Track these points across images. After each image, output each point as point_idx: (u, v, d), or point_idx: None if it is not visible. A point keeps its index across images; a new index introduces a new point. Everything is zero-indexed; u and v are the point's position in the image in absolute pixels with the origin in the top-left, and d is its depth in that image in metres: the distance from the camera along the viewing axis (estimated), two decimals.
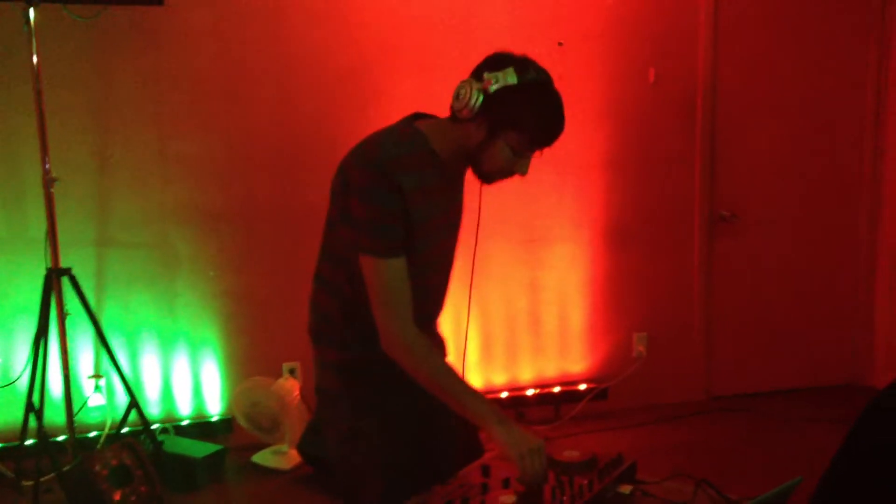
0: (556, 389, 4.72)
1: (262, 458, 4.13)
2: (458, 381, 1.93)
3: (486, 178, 1.96)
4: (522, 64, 1.84)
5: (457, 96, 1.88)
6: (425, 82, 4.31)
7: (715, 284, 4.98)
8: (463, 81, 1.88)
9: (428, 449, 2.09)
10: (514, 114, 1.83)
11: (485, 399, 1.94)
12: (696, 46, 4.76)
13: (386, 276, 1.88)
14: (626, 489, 1.88)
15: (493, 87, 1.82)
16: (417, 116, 2.03)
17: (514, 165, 1.91)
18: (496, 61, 1.85)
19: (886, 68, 4.98)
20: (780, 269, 5.05)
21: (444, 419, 2.00)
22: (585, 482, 1.83)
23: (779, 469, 3.86)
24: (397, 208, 1.86)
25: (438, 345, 2.22)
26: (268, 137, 4.21)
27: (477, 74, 1.86)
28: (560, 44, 4.51)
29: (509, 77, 1.81)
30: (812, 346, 5.15)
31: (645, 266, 4.85)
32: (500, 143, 1.86)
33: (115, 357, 3.75)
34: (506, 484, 1.84)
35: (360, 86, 4.29)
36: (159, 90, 4.07)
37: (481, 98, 1.83)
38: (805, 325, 5.13)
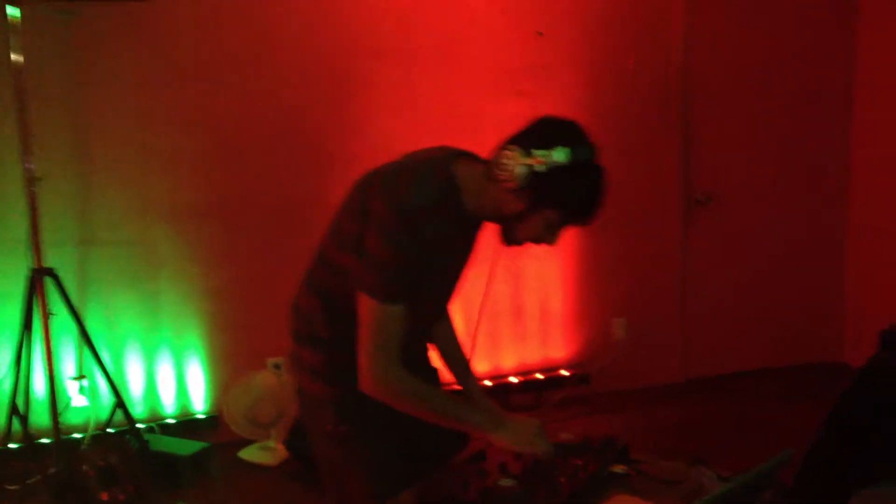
0: (539, 376, 4.76)
1: (248, 453, 4.13)
2: (448, 404, 1.95)
3: (513, 243, 1.93)
4: (573, 140, 1.78)
5: (499, 164, 1.79)
6: (404, 71, 4.35)
7: (691, 268, 5.04)
8: (507, 147, 1.80)
9: (416, 445, 2.10)
10: (560, 196, 1.79)
11: (476, 409, 2.00)
12: (671, 33, 4.81)
13: (382, 320, 1.85)
14: (620, 469, 1.93)
15: (543, 168, 1.75)
16: (458, 155, 1.95)
17: (545, 238, 1.88)
18: (547, 134, 1.79)
19: (856, 51, 5.06)
20: (755, 251, 5.13)
21: None
22: (581, 462, 1.88)
23: (759, 446, 3.93)
24: (414, 256, 1.82)
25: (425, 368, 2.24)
26: (251, 132, 4.20)
27: (524, 144, 1.78)
28: (540, 34, 4.54)
29: (558, 156, 1.74)
30: (786, 326, 5.23)
31: (623, 252, 4.89)
32: (539, 218, 1.82)
33: (100, 357, 3.73)
34: (503, 469, 1.88)
35: (343, 75, 4.29)
36: (141, 86, 4.04)
37: (528, 173, 1.76)
38: (779, 305, 5.21)
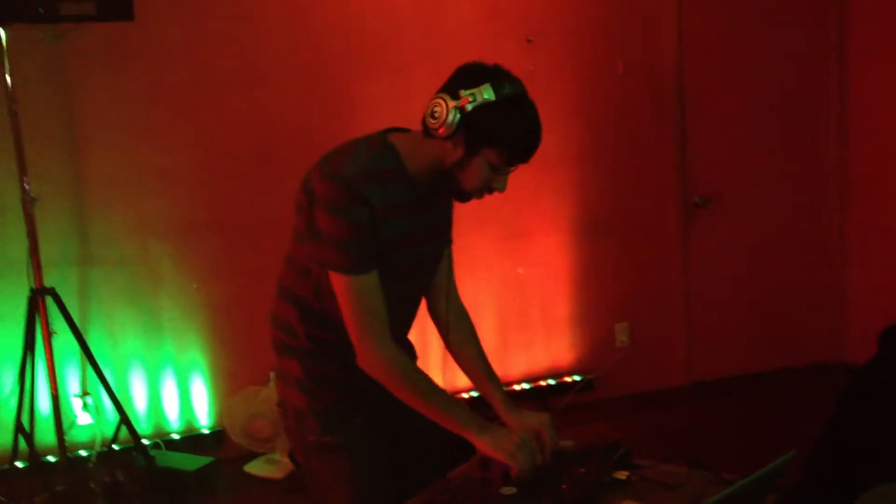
0: (546, 383, 4.77)
1: (254, 467, 4.13)
2: (437, 394, 1.93)
3: (463, 196, 1.93)
4: (497, 77, 1.79)
5: (431, 114, 1.82)
6: (395, 83, 4.35)
7: (692, 271, 5.03)
8: (436, 97, 1.82)
9: (406, 455, 2.10)
10: (494, 131, 1.79)
11: (464, 408, 1.96)
12: (662, 36, 4.81)
13: (358, 292, 1.86)
14: (622, 475, 1.92)
15: (471, 106, 1.77)
16: (392, 130, 1.97)
17: (493, 182, 1.88)
18: (471, 75, 1.80)
19: (847, 49, 5.05)
20: (755, 252, 5.12)
21: (422, 422, 1.98)
22: (583, 470, 1.87)
23: (765, 448, 3.90)
24: (366, 222, 1.83)
25: (408, 353, 2.20)
26: (243, 146, 4.21)
27: (451, 90, 1.80)
28: (529, 41, 4.54)
29: (486, 93, 1.76)
30: (789, 327, 5.22)
31: (624, 256, 4.90)
32: (480, 160, 1.82)
33: (103, 374, 3.75)
34: (505, 477, 1.87)
35: (332, 91, 4.31)
36: (132, 104, 4.06)
37: (459, 116, 1.78)
38: (781, 306, 5.20)
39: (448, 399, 1.96)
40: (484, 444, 1.88)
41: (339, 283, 1.87)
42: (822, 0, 5.04)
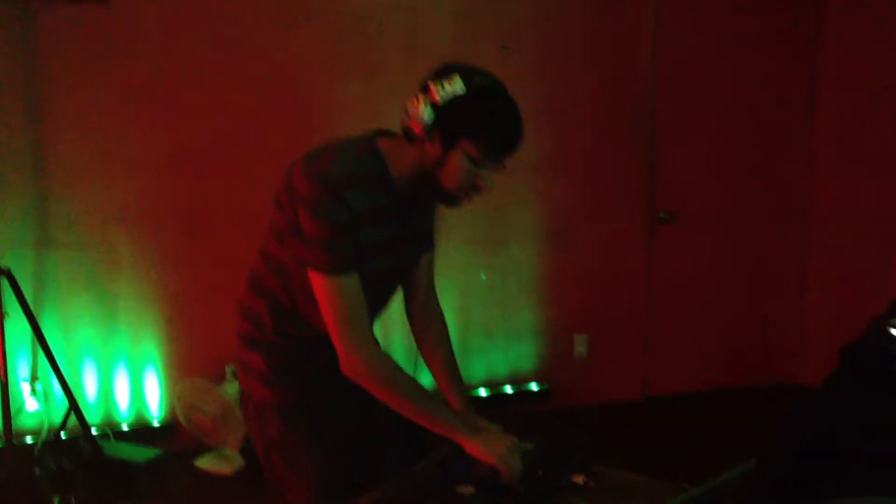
0: (501, 391, 4.77)
1: (205, 462, 4.08)
2: (425, 397, 1.90)
3: (449, 198, 1.88)
4: (468, 70, 1.78)
5: (406, 114, 1.80)
6: (371, 85, 4.33)
7: (653, 286, 5.07)
8: (410, 98, 1.80)
9: (364, 452, 2.08)
10: (467, 121, 1.75)
11: (452, 411, 1.96)
12: (638, 49, 4.83)
13: (339, 293, 1.82)
14: (579, 479, 1.92)
15: (440, 97, 1.75)
16: (381, 133, 1.93)
17: (477, 178, 1.83)
18: (441, 71, 1.79)
19: (819, 73, 5.13)
20: (717, 270, 5.17)
21: (381, 421, 1.99)
22: (541, 472, 1.87)
23: (714, 464, 3.94)
24: (347, 224, 1.79)
25: None
26: (210, 139, 4.15)
27: (423, 87, 1.79)
28: (504, 48, 4.55)
29: (456, 84, 1.74)
30: (746, 347, 5.28)
31: (587, 268, 4.91)
32: (458, 154, 1.78)
33: (55, 360, 3.67)
34: (464, 475, 1.86)
35: (306, 87, 4.27)
36: (101, 89, 3.99)
37: (430, 111, 1.76)
38: (739, 326, 5.26)
39: (435, 402, 1.94)
40: (476, 446, 1.86)
41: (320, 283, 1.82)
42: (796, 22, 5.11)
